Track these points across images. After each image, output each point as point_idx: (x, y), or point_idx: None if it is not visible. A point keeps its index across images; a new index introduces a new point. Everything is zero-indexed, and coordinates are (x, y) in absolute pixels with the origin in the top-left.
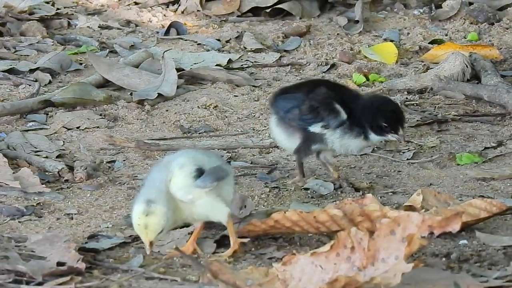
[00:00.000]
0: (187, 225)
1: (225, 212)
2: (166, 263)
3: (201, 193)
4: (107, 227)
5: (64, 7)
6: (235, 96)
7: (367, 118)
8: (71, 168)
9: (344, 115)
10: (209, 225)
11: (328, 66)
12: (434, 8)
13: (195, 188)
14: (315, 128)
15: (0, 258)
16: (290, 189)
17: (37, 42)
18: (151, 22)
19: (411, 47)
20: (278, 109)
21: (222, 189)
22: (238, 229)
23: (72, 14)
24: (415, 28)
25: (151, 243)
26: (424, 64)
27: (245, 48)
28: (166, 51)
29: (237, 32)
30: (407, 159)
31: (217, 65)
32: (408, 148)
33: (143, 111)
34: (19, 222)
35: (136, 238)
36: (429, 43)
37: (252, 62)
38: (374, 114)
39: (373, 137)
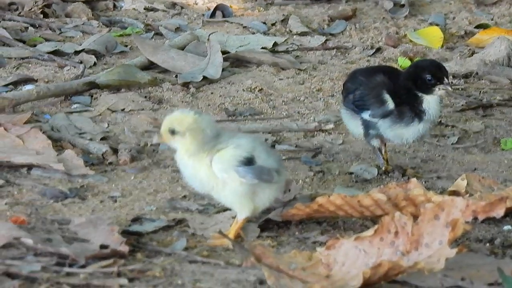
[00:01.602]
0: (229, 208)
1: (243, 213)
2: (210, 247)
3: (236, 179)
4: (151, 210)
5: None
6: (280, 79)
7: (411, 80)
8: (115, 151)
9: (391, 105)
10: None
11: (374, 50)
12: None
13: (233, 171)
14: (365, 116)
15: (43, 241)
16: (335, 173)
17: (82, 24)
18: (196, 4)
19: (456, 32)
20: (343, 91)
21: (260, 192)
22: (282, 213)
23: None
24: (461, 13)
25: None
26: (470, 49)
27: (291, 31)
28: (212, 33)
29: (283, 15)
30: (452, 144)
31: (262, 48)
32: (453, 133)
33: (188, 93)
34: (62, 204)
35: (180, 221)
36: (474, 27)
37: (297, 46)
38: (414, 73)
39: (427, 102)
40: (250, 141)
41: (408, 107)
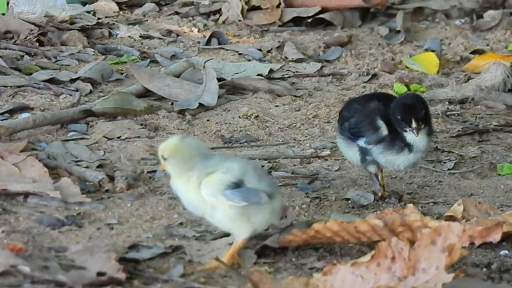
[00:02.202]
0: (227, 235)
1: (240, 235)
2: (207, 273)
3: (225, 203)
4: (148, 237)
5: (105, 17)
6: (276, 106)
7: (392, 116)
8: (111, 178)
9: (384, 131)
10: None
11: (370, 76)
12: (475, 18)
13: (221, 195)
14: (361, 143)
15: (40, 268)
16: (331, 199)
17: (78, 52)
18: (192, 32)
19: (452, 57)
20: (339, 119)
21: (252, 215)
22: (279, 239)
23: (113, 23)
24: (457, 38)
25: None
26: (465, 74)
27: (286, 58)
28: (207, 60)
29: (278, 42)
30: (448, 169)
31: (258, 75)
32: (449, 158)
33: (184, 121)
34: (59, 232)
35: (177, 248)
36: (470, 53)
37: (293, 72)
38: (393, 110)
39: (411, 139)
40: (242, 165)
41: (399, 136)
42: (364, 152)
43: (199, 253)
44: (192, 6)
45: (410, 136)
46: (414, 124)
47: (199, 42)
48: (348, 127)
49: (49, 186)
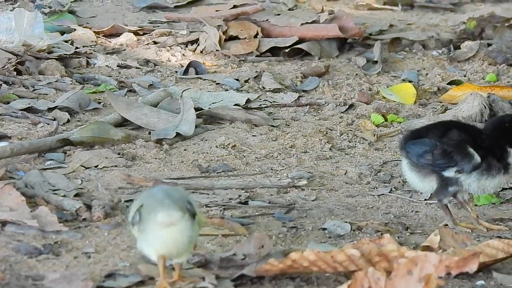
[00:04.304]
0: (203, 264)
1: (151, 254)
2: None
3: (135, 231)
4: (125, 266)
5: (83, 46)
6: (254, 136)
7: (503, 136)
8: (89, 207)
9: (478, 158)
10: (226, 265)
11: (347, 107)
12: (452, 49)
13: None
14: (449, 173)
15: None
16: (308, 229)
17: (55, 81)
18: (170, 61)
19: (429, 88)
20: (410, 154)
21: (143, 232)
22: (256, 268)
23: (91, 53)
24: (434, 69)
25: None
26: (443, 105)
27: (264, 88)
28: (185, 90)
29: (256, 72)
30: (425, 200)
31: (235, 104)
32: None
33: (161, 150)
34: (36, 260)
35: (153, 277)
36: (447, 84)
37: (270, 102)
38: (508, 130)
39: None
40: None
41: (495, 159)
42: (446, 184)
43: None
44: (170, 36)
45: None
46: None
47: (176, 72)
48: (432, 160)
49: (26, 214)
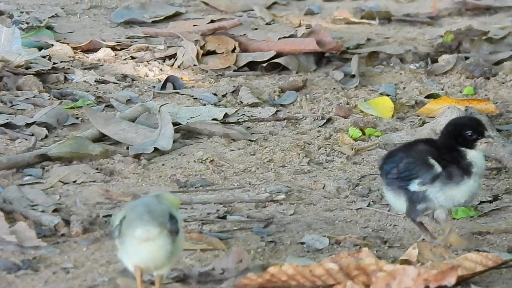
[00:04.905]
0: (182, 279)
1: (129, 266)
2: None
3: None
4: (103, 281)
5: (61, 62)
6: (231, 150)
7: (453, 138)
8: (67, 222)
9: (438, 168)
10: (205, 279)
11: (325, 121)
12: (430, 62)
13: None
14: (414, 187)
15: None
16: (286, 243)
17: (33, 97)
18: (147, 76)
19: (407, 102)
20: (384, 172)
21: (123, 244)
22: (234, 283)
23: (69, 68)
24: (411, 83)
25: None
26: (420, 118)
27: (242, 102)
28: (163, 105)
29: (234, 86)
30: (403, 213)
31: (213, 119)
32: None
33: (139, 165)
34: (15, 276)
35: None
36: (425, 97)
37: (248, 117)
38: (457, 128)
39: (473, 157)
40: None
41: (455, 165)
42: (414, 201)
43: None
44: (148, 51)
45: (472, 153)
46: (487, 132)
47: (154, 87)
48: (397, 174)
49: (4, 230)
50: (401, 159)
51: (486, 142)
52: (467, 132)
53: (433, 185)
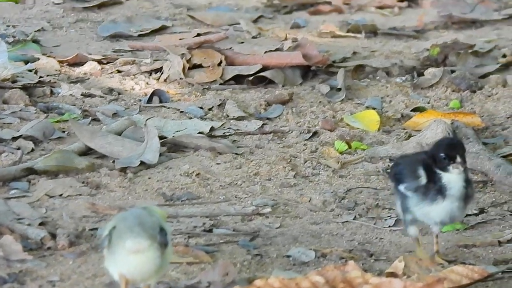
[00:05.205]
0: None
1: (114, 274)
2: None
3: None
4: None
5: (47, 75)
6: (218, 163)
7: (432, 158)
8: (53, 236)
9: (423, 180)
10: None
11: (311, 134)
12: (416, 76)
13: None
14: (401, 187)
15: None
16: (272, 256)
17: (19, 110)
18: (133, 90)
19: (393, 115)
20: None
21: (112, 253)
22: None
23: (55, 82)
24: (397, 96)
25: None
26: (406, 132)
27: (228, 116)
28: (149, 118)
29: (220, 100)
30: (389, 226)
31: (199, 132)
32: (390, 215)
33: (125, 178)
34: None
35: None
36: (411, 110)
37: (234, 130)
38: (436, 147)
39: (447, 180)
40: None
41: (432, 184)
42: (403, 208)
43: None
44: (134, 64)
45: (447, 176)
46: (459, 159)
47: (140, 100)
48: (393, 174)
49: None
50: (399, 163)
51: (455, 168)
52: (441, 155)
53: (414, 196)
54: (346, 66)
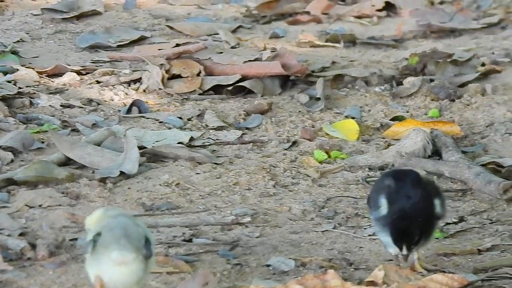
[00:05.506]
0: None
1: (91, 277)
2: None
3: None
4: None
5: (26, 86)
6: (197, 173)
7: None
8: (33, 246)
9: (384, 210)
10: None
11: (290, 144)
12: (395, 85)
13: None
14: (372, 216)
15: None
16: (252, 266)
17: None
18: (113, 100)
19: (372, 124)
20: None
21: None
22: None
23: (34, 93)
24: (377, 105)
25: None
26: (386, 141)
27: (207, 125)
28: (128, 129)
29: (199, 110)
30: (369, 235)
31: (179, 142)
32: (370, 224)
33: (105, 189)
34: None
35: None
36: (390, 120)
37: (214, 140)
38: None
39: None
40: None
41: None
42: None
43: None
44: (113, 75)
45: None
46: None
47: (119, 111)
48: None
49: None
50: (373, 187)
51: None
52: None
53: (377, 224)
54: (325, 76)
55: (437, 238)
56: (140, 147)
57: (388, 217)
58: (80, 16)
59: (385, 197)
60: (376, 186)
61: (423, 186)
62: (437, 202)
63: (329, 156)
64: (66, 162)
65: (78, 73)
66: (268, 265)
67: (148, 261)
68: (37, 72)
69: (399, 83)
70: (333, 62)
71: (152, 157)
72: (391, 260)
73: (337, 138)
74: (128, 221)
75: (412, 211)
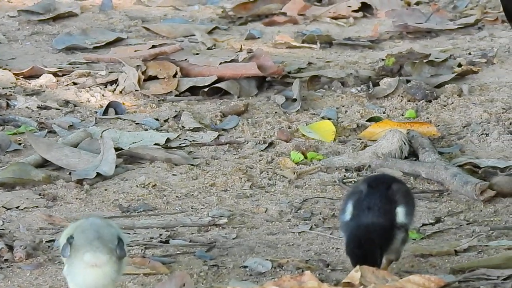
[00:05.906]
0: None
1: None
2: None
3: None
4: None
5: (3, 88)
6: (174, 175)
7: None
8: (10, 248)
9: (348, 216)
10: None
11: (266, 145)
12: (371, 86)
13: None
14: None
15: None
16: (229, 267)
17: None
18: (89, 102)
19: (348, 125)
20: None
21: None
22: None
23: (11, 95)
24: (353, 106)
25: None
26: (362, 142)
27: (183, 127)
28: (105, 130)
29: (175, 111)
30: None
31: (155, 144)
32: None
33: (82, 190)
34: None
35: None
36: (366, 120)
37: (190, 141)
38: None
39: None
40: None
41: None
42: None
43: None
44: (89, 77)
45: None
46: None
47: (96, 112)
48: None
49: None
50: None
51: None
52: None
53: (341, 230)
54: (302, 77)
55: (414, 239)
56: (116, 149)
57: (348, 229)
58: (57, 18)
59: (352, 203)
60: (352, 189)
61: (388, 196)
62: (400, 210)
63: (306, 157)
64: (43, 163)
65: (55, 74)
66: (245, 267)
67: (121, 262)
68: (14, 73)
69: (376, 84)
70: (310, 63)
71: (128, 159)
72: None
73: (314, 139)
74: (101, 222)
75: (366, 231)
